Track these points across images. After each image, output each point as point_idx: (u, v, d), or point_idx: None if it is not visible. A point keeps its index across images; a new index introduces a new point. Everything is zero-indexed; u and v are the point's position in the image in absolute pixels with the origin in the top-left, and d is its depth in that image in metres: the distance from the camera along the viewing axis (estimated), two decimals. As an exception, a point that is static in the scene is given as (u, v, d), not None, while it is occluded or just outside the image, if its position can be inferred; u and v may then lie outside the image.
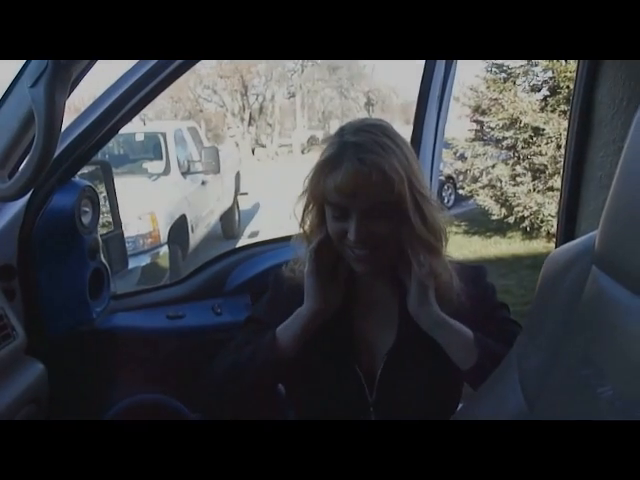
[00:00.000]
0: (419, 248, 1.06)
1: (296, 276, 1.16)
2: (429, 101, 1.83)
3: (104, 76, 1.54)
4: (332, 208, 1.06)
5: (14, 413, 1.25)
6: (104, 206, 1.75)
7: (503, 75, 7.71)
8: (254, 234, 8.25)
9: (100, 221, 1.65)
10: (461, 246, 7.16)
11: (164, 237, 5.09)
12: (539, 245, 7.21)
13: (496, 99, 7.53)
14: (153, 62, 1.40)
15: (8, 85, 1.14)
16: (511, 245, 7.38)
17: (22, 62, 1.08)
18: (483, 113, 7.84)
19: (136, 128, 6.60)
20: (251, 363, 1.12)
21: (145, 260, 4.81)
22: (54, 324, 1.52)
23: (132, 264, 4.05)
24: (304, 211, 1.14)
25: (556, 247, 1.63)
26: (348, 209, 1.04)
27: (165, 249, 5.06)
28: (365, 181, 1.01)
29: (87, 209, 1.55)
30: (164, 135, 6.56)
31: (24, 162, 1.00)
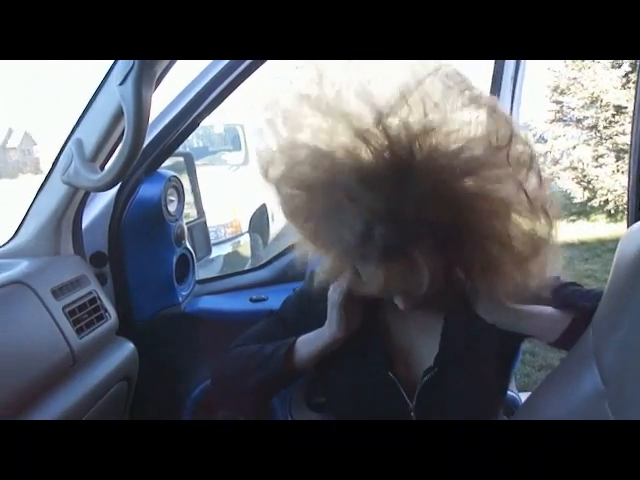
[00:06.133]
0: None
1: (327, 280, 1.08)
2: (502, 84, 1.81)
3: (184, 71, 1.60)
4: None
5: (106, 389, 1.34)
6: (187, 196, 1.82)
7: (581, 52, 7.37)
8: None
9: (184, 210, 1.73)
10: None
11: (245, 226, 5.19)
12: (624, 228, 6.89)
13: (575, 78, 7.25)
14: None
15: (98, 84, 1.22)
16: (595, 229, 7.07)
17: (110, 62, 1.15)
18: (562, 93, 7.55)
19: (215, 120, 6.71)
20: (260, 370, 1.10)
21: (227, 249, 4.89)
22: (143, 307, 1.61)
23: (214, 253, 4.12)
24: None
25: (628, 225, 1.57)
26: None
27: (246, 238, 5.14)
28: None
29: (173, 198, 1.63)
30: (242, 127, 6.66)
31: (114, 155, 1.07)
